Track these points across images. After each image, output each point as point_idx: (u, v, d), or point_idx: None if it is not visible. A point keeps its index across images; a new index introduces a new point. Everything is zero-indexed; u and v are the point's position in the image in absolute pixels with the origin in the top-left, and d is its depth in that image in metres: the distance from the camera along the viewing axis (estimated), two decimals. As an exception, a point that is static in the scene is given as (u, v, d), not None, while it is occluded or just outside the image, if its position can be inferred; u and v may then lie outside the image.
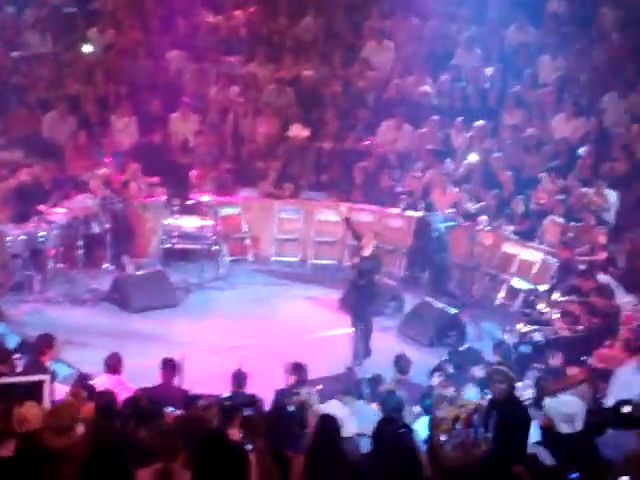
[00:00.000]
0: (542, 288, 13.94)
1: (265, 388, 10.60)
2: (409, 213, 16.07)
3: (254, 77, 18.61)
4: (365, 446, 8.21)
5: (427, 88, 18.08)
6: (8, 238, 14.35)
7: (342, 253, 16.19)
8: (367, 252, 13.03)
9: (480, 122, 16.98)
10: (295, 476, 7.58)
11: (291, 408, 9.19)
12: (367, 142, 17.22)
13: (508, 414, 8.37)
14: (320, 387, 10.43)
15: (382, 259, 13.74)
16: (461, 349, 12.64)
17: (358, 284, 13.04)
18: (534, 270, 14.88)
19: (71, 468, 7.01)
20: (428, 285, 15.45)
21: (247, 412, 9.16)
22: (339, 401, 9.35)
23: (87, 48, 18.59)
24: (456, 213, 15.68)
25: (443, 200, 15.99)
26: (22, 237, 14.38)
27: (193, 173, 16.59)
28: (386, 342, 13.55)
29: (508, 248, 15.29)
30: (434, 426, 8.42)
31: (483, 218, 15.48)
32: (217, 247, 15.47)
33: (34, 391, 9.44)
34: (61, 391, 9.58)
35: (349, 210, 14.14)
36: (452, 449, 8.00)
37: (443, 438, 8.18)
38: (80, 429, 7.80)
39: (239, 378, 10.42)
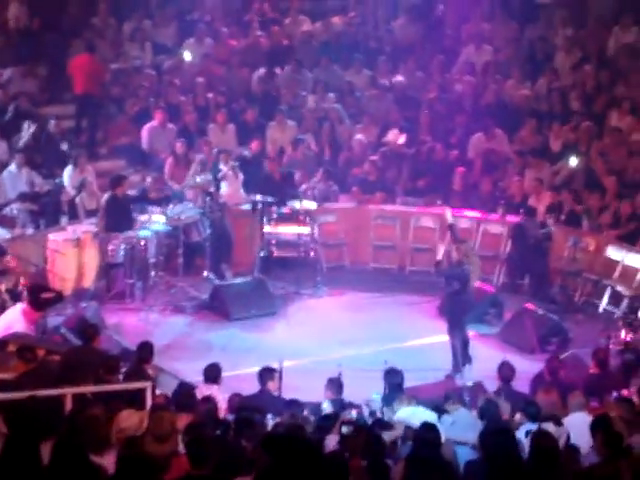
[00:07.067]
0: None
1: (365, 395, 10.56)
2: (509, 219, 15.85)
3: (351, 84, 18.62)
4: (465, 455, 8.09)
5: (526, 92, 17.87)
6: (110, 247, 14.53)
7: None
8: (453, 258, 12.80)
9: (586, 123, 16.72)
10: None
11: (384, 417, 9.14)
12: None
13: None
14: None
15: (467, 267, 12.73)
16: (563, 356, 12.40)
17: (450, 292, 12.86)
18: (639, 276, 14.55)
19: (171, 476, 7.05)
20: (529, 291, 15.24)
21: (347, 416, 9.15)
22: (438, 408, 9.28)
23: (187, 56, 18.81)
24: (554, 218, 15.41)
25: (542, 205, 15.75)
26: (124, 246, 14.54)
27: (291, 181, 16.62)
28: (487, 349, 13.39)
29: (611, 253, 14.98)
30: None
31: (585, 222, 15.20)
32: (314, 254, 15.45)
33: (136, 398, 9.55)
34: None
35: (452, 215, 13.81)
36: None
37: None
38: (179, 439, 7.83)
39: (336, 385, 10.38)
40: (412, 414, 8.84)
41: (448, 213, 13.51)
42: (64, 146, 17.01)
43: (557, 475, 7.23)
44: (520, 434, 8.58)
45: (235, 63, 18.91)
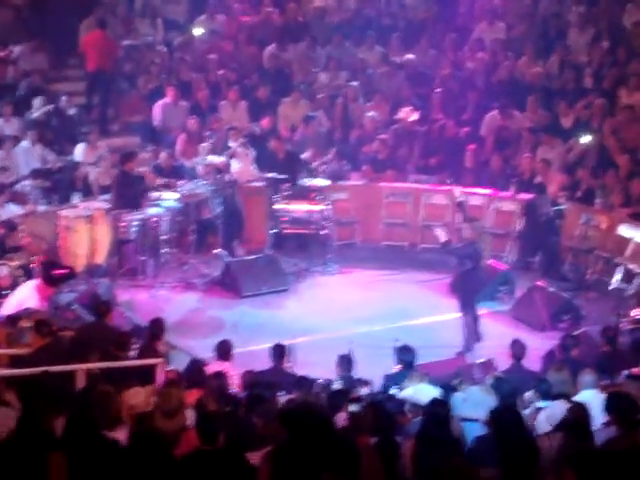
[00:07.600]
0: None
1: (376, 372, 10.58)
2: (521, 196, 15.81)
3: (363, 61, 18.56)
4: (476, 431, 8.10)
5: (539, 69, 17.80)
6: (122, 224, 14.55)
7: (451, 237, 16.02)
8: (464, 236, 12.81)
9: (599, 100, 16.64)
10: (404, 461, 7.51)
11: (395, 392, 9.14)
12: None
13: None
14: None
15: (479, 245, 12.89)
16: (575, 333, 12.39)
17: (462, 270, 12.86)
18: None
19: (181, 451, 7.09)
20: (540, 269, 15.23)
21: (359, 392, 9.17)
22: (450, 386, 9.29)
23: (196, 31, 18.78)
24: (565, 196, 15.36)
25: (553, 182, 15.71)
26: (136, 222, 14.56)
27: (303, 157, 16.61)
28: (498, 327, 13.40)
29: (623, 231, 14.93)
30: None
31: (598, 200, 15.17)
32: (326, 232, 15.46)
33: (147, 375, 9.61)
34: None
35: (463, 193, 13.83)
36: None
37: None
38: (189, 414, 7.87)
39: (346, 362, 10.40)
40: (418, 390, 8.85)
41: (457, 192, 13.54)
42: (71, 111, 17.01)
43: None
44: (531, 411, 8.62)
45: (243, 39, 18.86)
